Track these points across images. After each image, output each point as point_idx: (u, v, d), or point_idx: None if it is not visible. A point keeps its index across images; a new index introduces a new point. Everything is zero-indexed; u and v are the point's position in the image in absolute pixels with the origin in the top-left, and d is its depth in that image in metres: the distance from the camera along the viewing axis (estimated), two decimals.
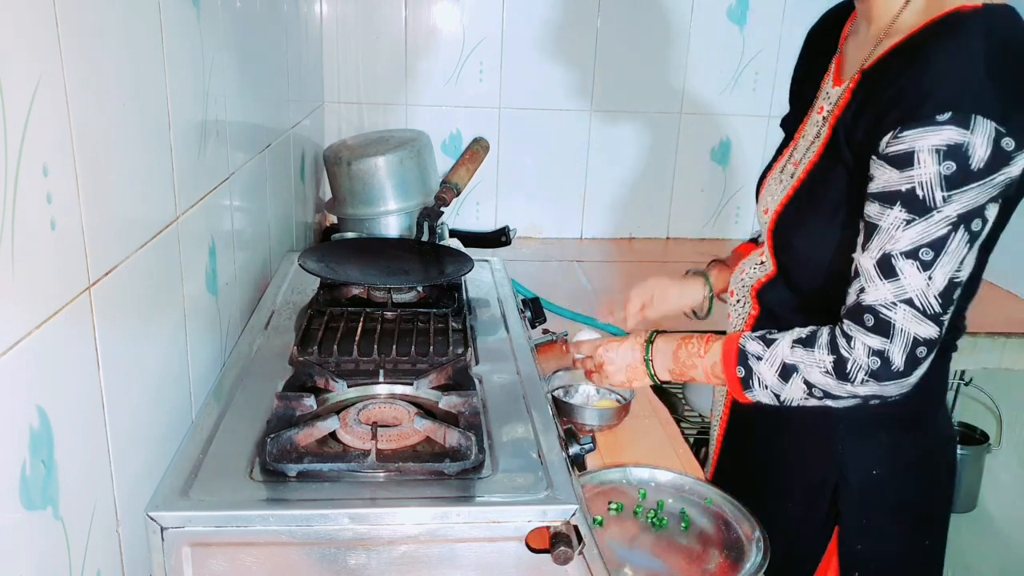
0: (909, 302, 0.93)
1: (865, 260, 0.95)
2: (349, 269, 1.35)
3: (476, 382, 1.04)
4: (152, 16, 0.90)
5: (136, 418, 0.85)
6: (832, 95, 1.09)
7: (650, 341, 1.18)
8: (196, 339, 1.06)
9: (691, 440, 1.62)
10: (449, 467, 0.85)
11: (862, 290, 0.96)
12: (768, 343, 1.05)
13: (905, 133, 0.88)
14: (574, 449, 0.95)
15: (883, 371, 0.96)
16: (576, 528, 0.80)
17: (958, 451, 2.07)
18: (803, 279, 1.09)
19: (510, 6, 2.27)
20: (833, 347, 0.99)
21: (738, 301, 1.23)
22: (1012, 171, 0.87)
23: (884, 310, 0.94)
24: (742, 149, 2.45)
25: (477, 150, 1.91)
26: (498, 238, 2.33)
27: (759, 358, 1.05)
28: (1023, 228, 1.74)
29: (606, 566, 0.82)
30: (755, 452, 1.23)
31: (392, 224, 2.00)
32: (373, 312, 1.25)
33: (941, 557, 1.20)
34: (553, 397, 1.35)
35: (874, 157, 0.93)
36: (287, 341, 1.15)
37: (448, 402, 0.98)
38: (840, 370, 0.98)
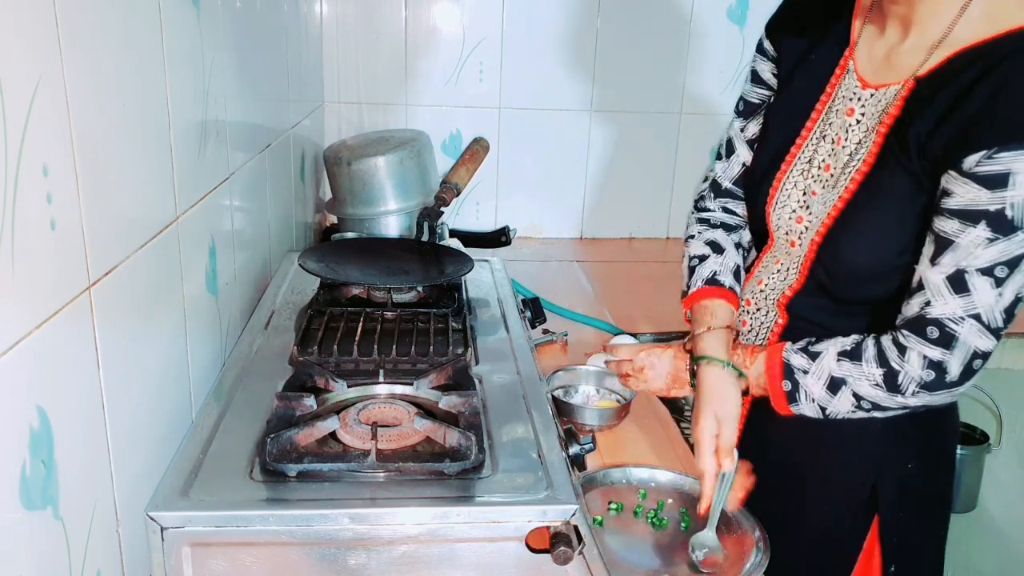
0: (977, 317, 0.93)
1: (934, 274, 0.94)
2: (349, 269, 1.35)
3: (476, 382, 1.04)
4: (152, 16, 0.90)
5: (136, 418, 0.85)
6: (865, 98, 1.05)
7: (696, 361, 1.15)
8: (196, 339, 1.06)
9: (691, 440, 1.62)
10: (449, 467, 0.85)
11: (927, 303, 0.95)
12: (813, 356, 1.03)
13: (1002, 155, 0.87)
14: (574, 449, 0.95)
15: (937, 382, 0.96)
16: (576, 528, 0.80)
17: (959, 451, 2.08)
18: (847, 289, 1.07)
19: (510, 6, 2.27)
20: (882, 359, 0.98)
21: (758, 310, 1.19)
22: None
23: (951, 323, 0.93)
24: None
25: (477, 150, 1.91)
26: (498, 238, 2.33)
27: (805, 372, 1.03)
28: None
29: (606, 566, 0.82)
30: (780, 458, 1.20)
31: (392, 224, 2.00)
32: (373, 312, 1.25)
33: (944, 547, 1.23)
34: (553, 397, 1.35)
35: (954, 173, 0.91)
36: (287, 341, 1.15)
37: (448, 402, 0.98)
38: (891, 382, 0.98)
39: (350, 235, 1.92)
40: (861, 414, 1.02)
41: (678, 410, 1.86)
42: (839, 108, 1.08)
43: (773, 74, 1.20)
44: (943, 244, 0.93)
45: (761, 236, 1.19)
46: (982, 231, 0.90)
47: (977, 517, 2.20)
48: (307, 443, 0.88)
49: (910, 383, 0.97)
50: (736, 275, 1.23)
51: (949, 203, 0.92)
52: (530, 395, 1.03)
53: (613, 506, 1.14)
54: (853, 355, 1.01)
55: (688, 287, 1.24)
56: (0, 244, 0.58)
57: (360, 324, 1.19)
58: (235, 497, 0.80)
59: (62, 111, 0.68)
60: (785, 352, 1.06)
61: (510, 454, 0.89)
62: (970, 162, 0.89)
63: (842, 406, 1.02)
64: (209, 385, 1.08)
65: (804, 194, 1.10)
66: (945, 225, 0.93)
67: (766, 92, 1.21)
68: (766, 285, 1.17)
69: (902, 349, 0.97)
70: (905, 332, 0.97)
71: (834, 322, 1.08)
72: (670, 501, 1.16)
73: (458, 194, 1.80)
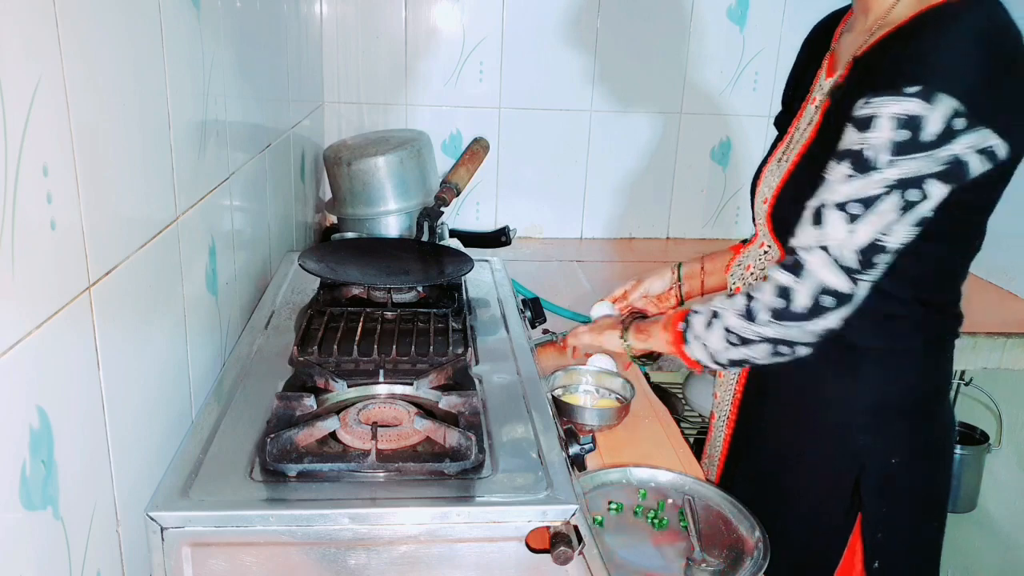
0: (826, 249, 0.98)
1: (806, 210, 1.01)
2: (349, 269, 1.35)
3: (476, 382, 1.04)
4: (152, 16, 0.90)
5: (136, 418, 0.85)
6: (826, 86, 1.13)
7: (626, 335, 1.30)
8: (196, 339, 1.06)
9: (691, 440, 1.62)
10: (449, 467, 0.85)
11: (794, 235, 1.03)
12: (707, 300, 1.14)
13: (873, 99, 0.94)
14: (574, 449, 0.95)
15: (785, 311, 1.02)
16: (576, 528, 0.80)
17: (959, 451, 2.08)
18: None
19: (510, 6, 2.27)
20: (746, 291, 1.07)
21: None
22: (954, 148, 0.91)
23: (802, 252, 1.00)
24: (742, 149, 2.45)
25: (477, 150, 1.91)
26: (498, 238, 2.33)
27: (697, 312, 1.12)
28: (1021, 228, 1.74)
29: (606, 566, 0.82)
30: (768, 451, 1.24)
31: (392, 224, 2.00)
32: (373, 312, 1.25)
33: (940, 545, 1.23)
34: (553, 397, 1.35)
35: (847, 123, 0.98)
36: (287, 341, 1.15)
37: (448, 402, 0.98)
38: (748, 311, 1.05)
39: (350, 235, 1.92)
40: (736, 353, 1.08)
41: (678, 410, 1.86)
42: (811, 100, 1.17)
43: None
44: (820, 183, 1.00)
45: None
46: (845, 168, 0.96)
47: (977, 517, 2.20)
48: (307, 443, 0.88)
49: (762, 310, 1.03)
50: None
51: (837, 147, 0.99)
52: (530, 395, 1.03)
53: (613, 506, 1.14)
54: (733, 294, 1.10)
55: None
56: (0, 244, 0.58)
57: (360, 324, 1.19)
58: (235, 497, 0.80)
59: (62, 111, 0.68)
60: (695, 303, 1.17)
61: (510, 454, 0.89)
62: (855, 108, 0.96)
63: (717, 342, 1.09)
64: (209, 385, 1.08)
65: (774, 180, 1.17)
66: (828, 165, 1.00)
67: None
68: (754, 268, 1.22)
69: (765, 279, 1.05)
70: (774, 266, 1.05)
71: None
72: (670, 501, 1.16)
73: (458, 194, 1.79)
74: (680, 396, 2.24)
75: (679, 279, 1.53)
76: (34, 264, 0.63)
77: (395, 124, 2.33)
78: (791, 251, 1.02)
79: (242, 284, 1.30)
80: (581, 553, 0.79)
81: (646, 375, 1.68)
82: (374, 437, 0.89)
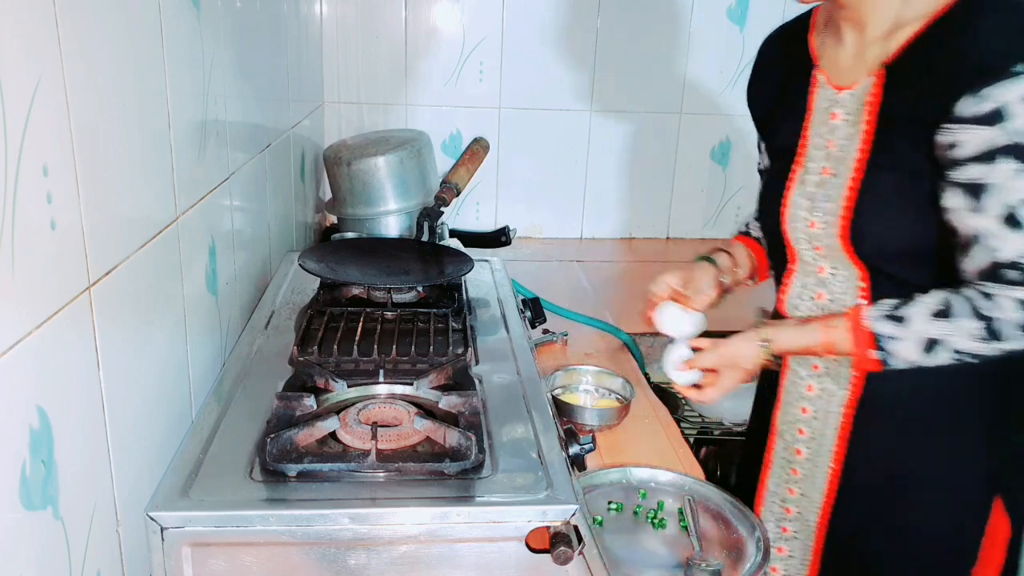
0: None
1: (983, 221, 0.96)
2: (349, 269, 1.35)
3: (476, 382, 1.04)
4: (152, 16, 0.90)
5: (136, 418, 0.85)
6: (844, 99, 1.10)
7: (761, 333, 1.14)
8: (196, 339, 1.06)
9: (691, 440, 1.62)
10: (449, 467, 0.85)
11: (994, 250, 0.97)
12: (898, 320, 1.03)
13: (985, 91, 0.92)
14: (574, 449, 0.95)
15: None
16: (576, 528, 0.80)
17: None
18: (894, 266, 1.08)
19: (510, 6, 2.27)
20: (977, 312, 0.99)
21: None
22: None
23: (1022, 260, 0.96)
24: (742, 149, 2.44)
25: (477, 150, 1.91)
26: (498, 238, 2.33)
27: (895, 338, 1.03)
28: None
29: (606, 566, 0.82)
30: (884, 469, 1.17)
31: (392, 224, 2.00)
32: (373, 312, 1.25)
33: None
34: (553, 397, 1.35)
35: (950, 126, 0.95)
36: (287, 341, 1.15)
37: (448, 402, 0.98)
38: (991, 332, 0.99)
39: (350, 235, 1.92)
40: (960, 364, 1.02)
41: (678, 410, 1.86)
42: (821, 119, 1.13)
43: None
44: (976, 190, 0.95)
45: (782, 260, 1.22)
46: (1009, 165, 0.93)
47: None
48: (307, 443, 0.88)
49: (1008, 328, 0.98)
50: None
51: (960, 152, 0.95)
52: (530, 395, 1.03)
53: (613, 506, 1.14)
54: (945, 314, 1.00)
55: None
56: (0, 244, 0.58)
57: (360, 324, 1.19)
58: (235, 497, 0.80)
59: (62, 111, 0.68)
60: (867, 321, 1.05)
61: (510, 454, 0.89)
62: (961, 107, 0.94)
63: (941, 359, 1.02)
64: (209, 385, 1.08)
65: (811, 201, 1.13)
66: (968, 173, 0.95)
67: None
68: (832, 294, 1.15)
69: (989, 298, 0.98)
70: (986, 283, 0.99)
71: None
72: (670, 501, 1.16)
73: (458, 194, 1.79)
74: (680, 396, 2.24)
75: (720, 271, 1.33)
76: (34, 264, 0.63)
77: (395, 124, 2.33)
78: (1010, 264, 0.96)
79: (242, 284, 1.30)
80: (581, 553, 0.79)
81: (646, 375, 1.68)
82: (374, 437, 0.89)
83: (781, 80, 1.21)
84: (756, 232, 1.37)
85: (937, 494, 1.14)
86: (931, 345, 1.02)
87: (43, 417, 0.65)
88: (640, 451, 1.32)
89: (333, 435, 0.91)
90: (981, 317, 0.99)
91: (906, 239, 1.06)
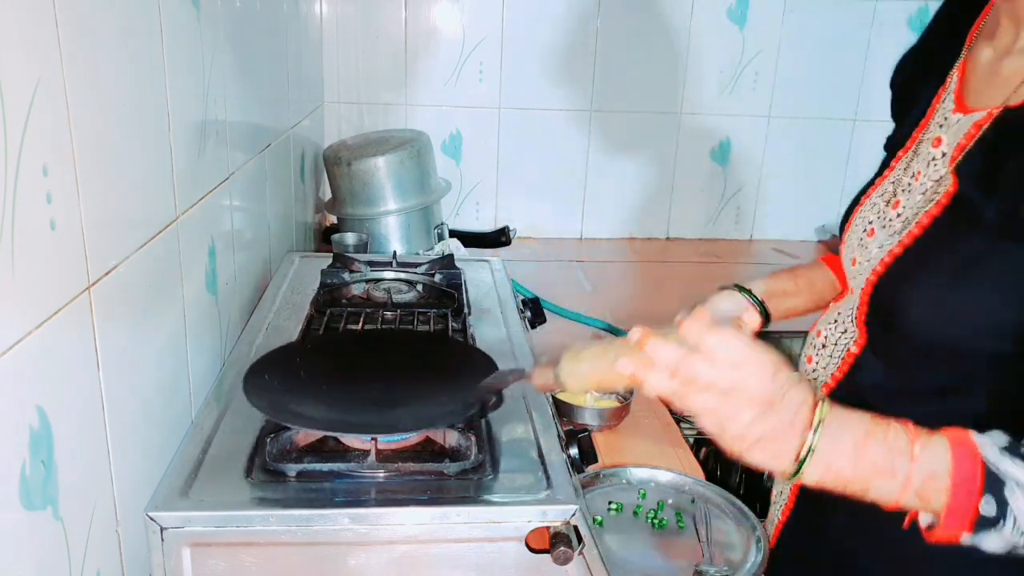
0: None
1: None
2: (306, 403, 0.91)
3: None
4: (152, 16, 0.90)
5: (136, 418, 0.85)
6: (953, 124, 0.84)
7: (822, 400, 0.70)
8: (196, 339, 1.06)
9: (691, 440, 1.62)
10: (449, 467, 0.85)
11: None
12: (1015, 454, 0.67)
13: None
14: (574, 449, 0.95)
15: None
16: (576, 528, 0.80)
17: None
18: (908, 355, 0.84)
19: (510, 6, 2.27)
20: None
21: (813, 371, 0.98)
22: None
23: None
24: (742, 149, 2.44)
25: None
26: (498, 238, 2.33)
27: (1020, 486, 0.66)
28: None
29: (606, 566, 0.82)
30: (835, 561, 0.93)
31: (392, 224, 2.01)
32: (374, 312, 1.25)
33: None
34: (553, 397, 1.34)
35: None
36: (287, 341, 1.15)
37: None
38: None
39: (350, 236, 1.91)
40: None
41: (678, 410, 1.86)
42: (929, 137, 0.88)
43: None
44: None
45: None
46: None
47: None
48: (307, 443, 0.88)
49: None
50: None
51: None
52: (530, 395, 1.02)
53: (613, 506, 1.14)
54: None
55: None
56: (0, 244, 0.58)
57: (360, 324, 1.19)
58: (235, 497, 0.80)
59: (62, 111, 0.68)
60: (983, 449, 0.67)
61: (510, 454, 0.89)
62: None
63: None
64: (209, 385, 1.08)
65: (864, 231, 0.92)
66: None
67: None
68: (826, 339, 0.95)
69: None
70: None
71: (897, 399, 0.82)
72: (670, 501, 1.16)
73: None
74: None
75: (754, 300, 1.09)
76: (34, 264, 0.63)
77: (395, 124, 2.33)
78: None
79: (242, 284, 1.30)
80: (581, 553, 0.79)
81: None
82: (374, 437, 0.89)
83: (934, 57, 0.93)
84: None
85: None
86: None
87: (43, 417, 0.65)
88: (640, 451, 1.32)
89: None
90: None
91: (936, 337, 0.79)
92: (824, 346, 0.96)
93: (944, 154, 0.84)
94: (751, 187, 2.47)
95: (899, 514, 0.73)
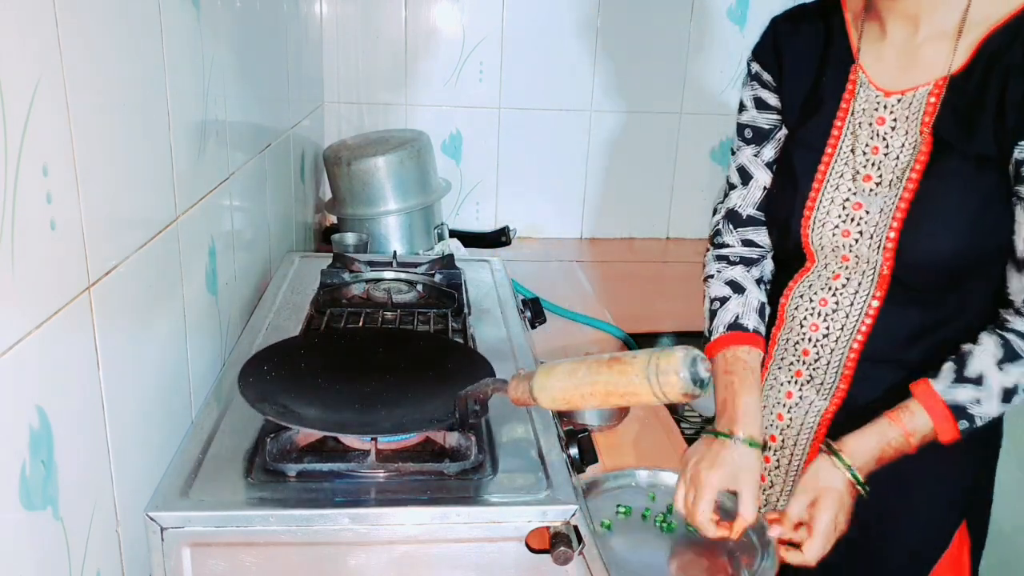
0: None
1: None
2: (304, 404, 0.92)
3: None
4: (152, 16, 0.90)
5: (136, 418, 0.85)
6: (892, 104, 1.03)
7: (838, 457, 0.98)
8: (196, 339, 1.06)
9: (691, 440, 1.62)
10: (449, 467, 0.85)
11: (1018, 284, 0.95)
12: (972, 382, 0.96)
13: None
14: (574, 449, 0.95)
15: None
16: (576, 528, 0.80)
17: None
18: (937, 282, 1.03)
19: (510, 6, 2.27)
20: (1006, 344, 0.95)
21: (826, 336, 1.11)
22: None
23: None
24: None
25: None
26: (498, 238, 2.33)
27: (979, 401, 0.96)
28: None
29: (606, 566, 0.82)
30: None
31: (392, 224, 2.00)
32: (374, 312, 1.25)
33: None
34: None
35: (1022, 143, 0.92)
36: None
37: None
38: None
39: (350, 236, 1.91)
40: (1017, 400, 0.97)
41: (678, 410, 1.86)
42: (862, 121, 1.06)
43: (778, 100, 1.16)
44: None
45: (792, 260, 1.14)
46: None
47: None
48: (307, 443, 0.88)
49: None
50: (761, 313, 1.15)
51: None
52: None
53: (621, 510, 1.13)
54: (1010, 357, 0.95)
55: (710, 333, 1.15)
56: (0, 244, 0.58)
57: (360, 324, 1.19)
58: (235, 497, 0.80)
59: (62, 111, 0.68)
60: (941, 394, 0.97)
61: (510, 454, 0.89)
62: None
63: (1013, 405, 0.98)
64: (209, 385, 1.08)
65: (844, 208, 1.06)
66: None
67: (775, 117, 1.17)
68: (837, 304, 1.09)
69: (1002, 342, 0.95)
70: None
71: (916, 340, 1.05)
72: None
73: None
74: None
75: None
76: (34, 264, 0.63)
77: (395, 124, 2.33)
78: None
79: (242, 284, 1.30)
80: (581, 553, 0.79)
81: None
82: (374, 437, 0.89)
83: (809, 65, 1.11)
84: (752, 323, 1.13)
85: (904, 516, 1.12)
86: (1008, 395, 0.96)
87: (43, 417, 0.65)
88: (640, 451, 1.32)
89: None
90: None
91: (960, 258, 1.00)
92: (836, 310, 1.09)
93: (893, 127, 1.03)
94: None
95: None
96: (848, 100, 1.07)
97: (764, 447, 1.06)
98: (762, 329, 1.14)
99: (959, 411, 0.96)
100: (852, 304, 1.08)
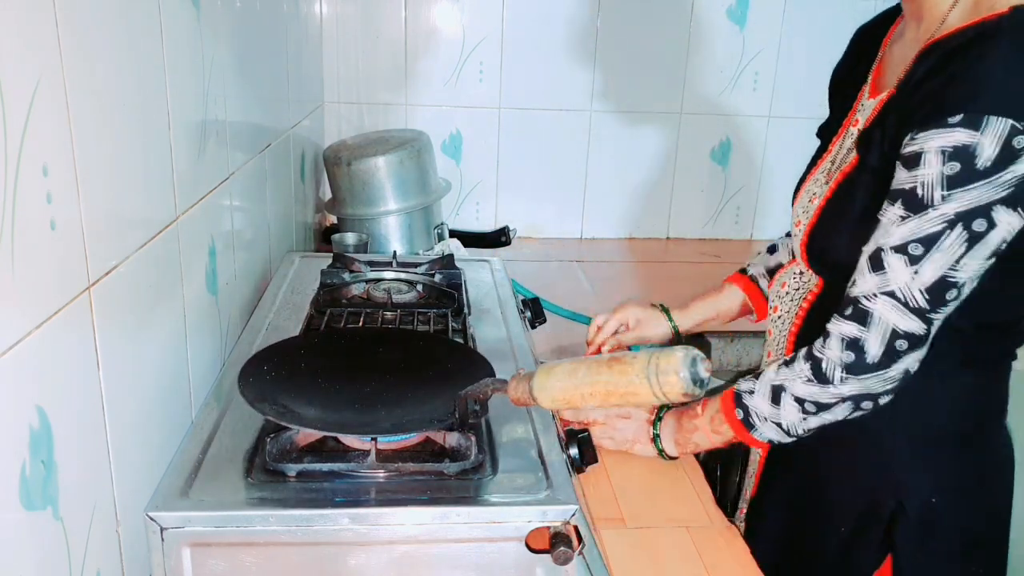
0: (891, 294, 0.92)
1: (862, 256, 0.95)
2: (306, 404, 0.92)
3: None
4: (152, 16, 0.90)
5: (136, 418, 0.85)
6: (867, 108, 1.06)
7: (659, 418, 1.18)
8: (196, 339, 1.06)
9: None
10: (449, 467, 0.85)
11: (852, 283, 0.96)
12: (758, 375, 1.06)
13: (919, 135, 0.88)
14: (574, 449, 0.95)
15: (859, 363, 0.94)
16: (576, 528, 0.80)
17: None
18: (845, 280, 1.02)
19: (510, 6, 2.27)
20: (808, 354, 0.99)
21: (779, 317, 1.18)
22: (1019, 169, 0.84)
23: (864, 300, 0.94)
24: (742, 149, 2.44)
25: None
26: (498, 238, 2.33)
27: (751, 392, 1.04)
28: None
29: (606, 566, 0.82)
30: (800, 474, 1.15)
31: (392, 224, 2.00)
32: (374, 312, 1.25)
33: None
34: None
35: (897, 160, 0.93)
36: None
37: None
38: (818, 372, 0.97)
39: (350, 236, 1.91)
40: (814, 421, 1.00)
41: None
42: (853, 120, 1.10)
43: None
44: (875, 227, 0.95)
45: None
46: (897, 209, 0.91)
47: None
48: (307, 443, 0.88)
49: (834, 369, 0.96)
50: (772, 271, 1.33)
51: (890, 188, 0.94)
52: None
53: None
54: (790, 360, 1.02)
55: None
56: (0, 244, 0.58)
57: (360, 324, 1.19)
58: (235, 497, 0.80)
59: (62, 111, 0.68)
60: (738, 384, 1.08)
61: (510, 454, 0.89)
62: (903, 145, 0.91)
63: (790, 415, 1.01)
64: (209, 385, 1.08)
65: (811, 202, 1.12)
66: (883, 209, 0.94)
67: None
68: (789, 287, 1.17)
69: (825, 336, 0.97)
70: (831, 319, 0.98)
71: None
72: None
73: None
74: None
75: (674, 328, 1.44)
76: (34, 264, 0.63)
77: (395, 124, 2.33)
78: (853, 300, 0.95)
79: (242, 284, 1.30)
80: (581, 553, 0.79)
81: None
82: (374, 437, 0.89)
83: (859, 64, 1.15)
84: (755, 269, 1.39)
85: (844, 508, 1.10)
86: (775, 394, 1.01)
87: (43, 417, 0.65)
88: None
89: None
90: (810, 357, 0.99)
91: (856, 256, 0.99)
92: (787, 293, 1.17)
93: (859, 130, 1.06)
94: (751, 187, 2.47)
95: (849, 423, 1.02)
96: (858, 101, 1.11)
97: (678, 335, 1.41)
98: (760, 278, 1.38)
99: (738, 398, 1.06)
100: (798, 289, 1.15)
